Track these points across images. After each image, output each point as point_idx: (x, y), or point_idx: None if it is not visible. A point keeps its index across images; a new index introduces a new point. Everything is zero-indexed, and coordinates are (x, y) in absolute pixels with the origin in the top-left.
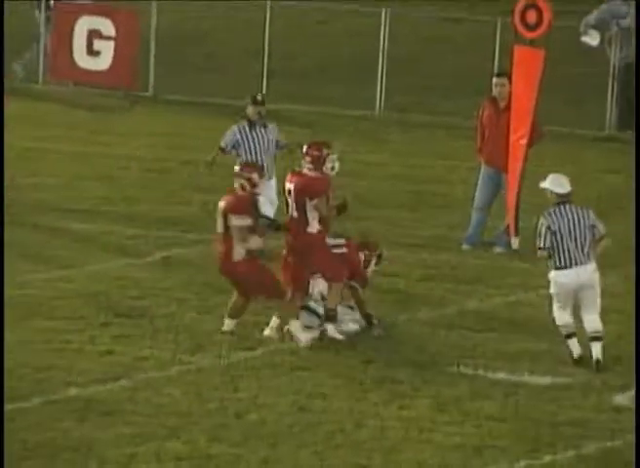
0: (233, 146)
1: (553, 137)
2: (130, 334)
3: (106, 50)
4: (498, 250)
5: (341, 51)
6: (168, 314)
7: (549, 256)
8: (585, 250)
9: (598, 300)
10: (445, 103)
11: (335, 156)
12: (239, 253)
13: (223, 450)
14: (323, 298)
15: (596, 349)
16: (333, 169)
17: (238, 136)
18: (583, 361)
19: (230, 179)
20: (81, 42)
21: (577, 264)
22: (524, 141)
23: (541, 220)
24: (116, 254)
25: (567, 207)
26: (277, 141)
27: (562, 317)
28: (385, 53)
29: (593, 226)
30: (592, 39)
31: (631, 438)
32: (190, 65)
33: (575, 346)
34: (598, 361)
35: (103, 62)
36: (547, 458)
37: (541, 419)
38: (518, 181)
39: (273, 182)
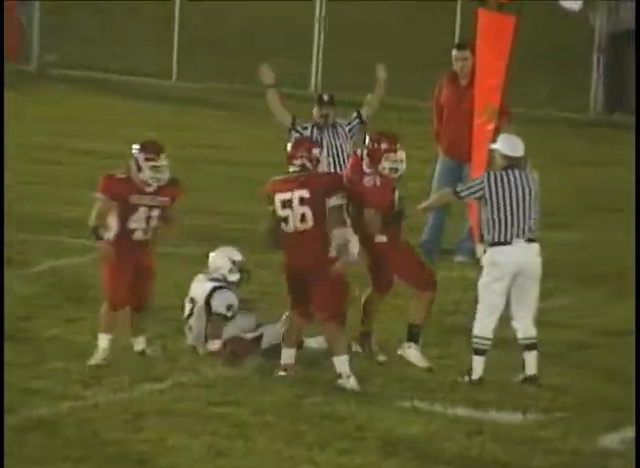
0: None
1: (525, 122)
2: (15, 362)
3: None
4: (459, 258)
5: (269, 16)
6: (56, 336)
7: (487, 231)
8: (530, 225)
9: (536, 297)
10: (395, 82)
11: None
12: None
13: None
14: None
15: (532, 362)
16: (394, 171)
17: (307, 133)
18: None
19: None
20: None
21: (520, 241)
22: (491, 126)
23: (483, 178)
24: None
25: (516, 172)
26: (349, 132)
27: (487, 325)
28: (322, 21)
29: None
30: (573, 3)
31: None
32: (80, 33)
33: (481, 366)
34: (534, 377)
35: None
36: None
37: (511, 465)
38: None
39: None
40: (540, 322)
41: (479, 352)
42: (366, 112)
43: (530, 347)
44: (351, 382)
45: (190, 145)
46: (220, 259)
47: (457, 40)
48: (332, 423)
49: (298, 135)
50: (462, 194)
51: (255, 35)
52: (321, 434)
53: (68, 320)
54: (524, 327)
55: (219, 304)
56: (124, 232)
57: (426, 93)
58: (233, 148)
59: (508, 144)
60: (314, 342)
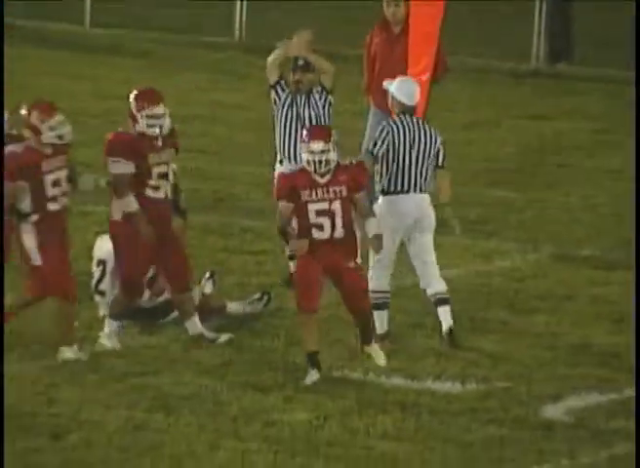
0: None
1: (464, 72)
2: None
3: None
4: None
5: None
6: None
7: (380, 179)
8: (426, 175)
9: (433, 252)
10: (324, 29)
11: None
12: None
13: None
14: None
15: (446, 315)
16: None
17: (282, 98)
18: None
19: None
20: None
21: (415, 191)
22: (426, 76)
23: (386, 126)
24: None
25: (413, 119)
26: (325, 108)
27: (382, 277)
28: None
29: (438, 151)
30: None
31: (567, 462)
32: None
33: (384, 321)
34: (451, 330)
35: None
36: None
37: (449, 438)
38: None
39: None
40: (480, 284)
41: (381, 306)
42: (326, 81)
43: (441, 302)
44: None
45: (100, 96)
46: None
47: None
48: (257, 394)
49: (274, 95)
50: (378, 151)
51: None
52: (245, 406)
53: None
54: (431, 283)
55: None
56: None
57: (355, 40)
58: None
59: (404, 91)
60: (236, 307)
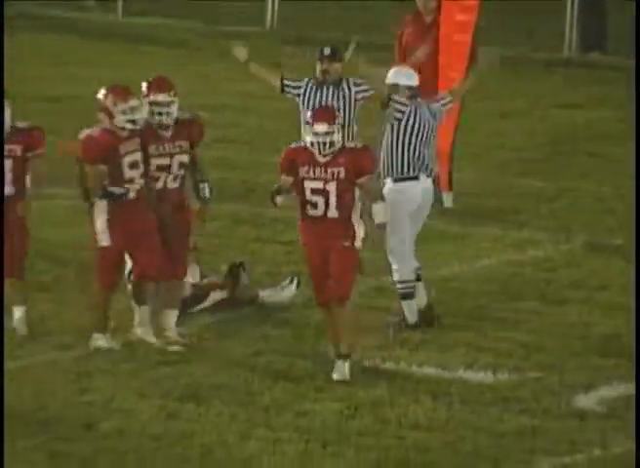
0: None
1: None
2: None
3: None
4: None
5: None
6: None
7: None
8: (433, 158)
9: None
10: (359, 17)
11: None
12: None
13: None
14: None
15: (422, 292)
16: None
17: (301, 92)
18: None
19: (68, 115)
20: None
21: (423, 177)
22: (455, 75)
23: (408, 103)
24: None
25: (421, 101)
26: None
27: (406, 266)
28: None
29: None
30: None
31: (598, 452)
32: None
33: (414, 310)
34: (430, 306)
35: None
36: None
37: (481, 428)
38: (454, 119)
39: None
40: (512, 274)
41: (408, 296)
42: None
43: (418, 278)
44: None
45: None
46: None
47: None
48: (288, 384)
49: (289, 94)
50: (397, 104)
51: None
52: (277, 396)
53: None
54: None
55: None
56: None
57: (387, 29)
58: (180, 89)
59: (403, 75)
60: (269, 296)
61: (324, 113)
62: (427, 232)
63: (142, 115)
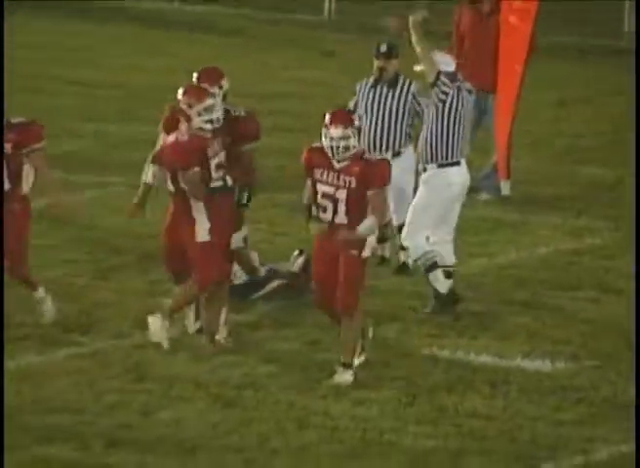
0: (354, 111)
1: (556, 50)
2: (6, 306)
3: None
4: (483, 196)
5: None
6: (52, 279)
7: (434, 151)
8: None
9: None
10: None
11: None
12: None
13: (126, 458)
14: None
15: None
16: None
17: (357, 96)
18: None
19: (128, 103)
20: None
21: (463, 162)
22: (519, 67)
23: (452, 87)
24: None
25: (462, 86)
26: (413, 104)
27: (421, 238)
28: None
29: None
30: None
31: None
32: None
33: (442, 279)
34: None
35: None
36: (546, 467)
37: (539, 416)
38: (512, 106)
39: (406, 162)
40: (570, 262)
41: (433, 266)
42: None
43: (446, 275)
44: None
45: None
46: None
47: None
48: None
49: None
50: (443, 85)
51: None
52: (334, 384)
53: (66, 261)
54: (447, 252)
55: (237, 238)
56: None
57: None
58: (238, 77)
59: (441, 60)
60: None
61: (340, 117)
62: (485, 220)
63: (218, 114)
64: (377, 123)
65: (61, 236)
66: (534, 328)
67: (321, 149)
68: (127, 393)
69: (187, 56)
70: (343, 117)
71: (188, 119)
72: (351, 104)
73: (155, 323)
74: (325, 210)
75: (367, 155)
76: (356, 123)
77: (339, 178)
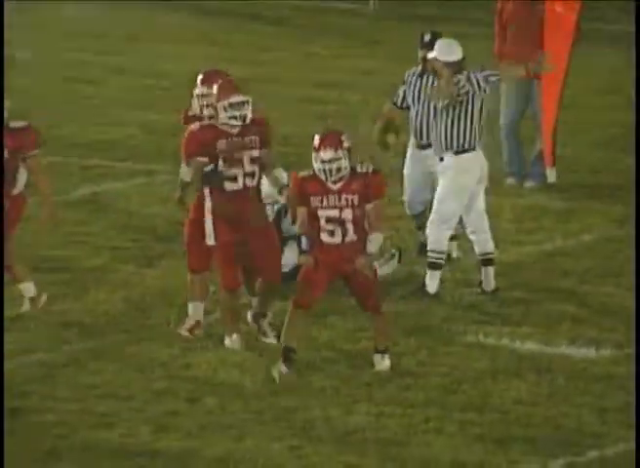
0: (404, 99)
1: (602, 38)
2: (53, 294)
3: None
4: (528, 184)
5: None
6: (98, 267)
7: (448, 137)
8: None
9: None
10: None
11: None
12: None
13: (173, 444)
14: None
15: (489, 276)
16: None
17: (405, 85)
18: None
19: (173, 92)
20: None
21: (479, 148)
22: (565, 54)
23: (466, 81)
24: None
25: (471, 75)
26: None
27: (445, 237)
28: None
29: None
30: None
31: None
32: None
33: (436, 282)
34: (497, 289)
35: None
36: (592, 454)
37: (584, 404)
38: (558, 93)
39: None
40: (614, 250)
41: (437, 267)
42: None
43: (487, 262)
44: None
45: (237, 62)
46: (268, 186)
47: None
48: (392, 358)
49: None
50: (492, 78)
51: None
52: (379, 371)
53: (111, 248)
54: (483, 240)
55: (289, 226)
56: None
57: (489, 4)
58: (284, 66)
59: (445, 50)
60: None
61: (329, 139)
62: (531, 208)
63: (245, 111)
64: (422, 112)
65: (106, 224)
66: (579, 315)
67: (312, 176)
68: (173, 380)
69: (233, 45)
70: (333, 140)
71: (216, 112)
72: (400, 92)
73: (229, 344)
74: (332, 233)
75: (359, 168)
76: (345, 144)
77: (340, 199)
